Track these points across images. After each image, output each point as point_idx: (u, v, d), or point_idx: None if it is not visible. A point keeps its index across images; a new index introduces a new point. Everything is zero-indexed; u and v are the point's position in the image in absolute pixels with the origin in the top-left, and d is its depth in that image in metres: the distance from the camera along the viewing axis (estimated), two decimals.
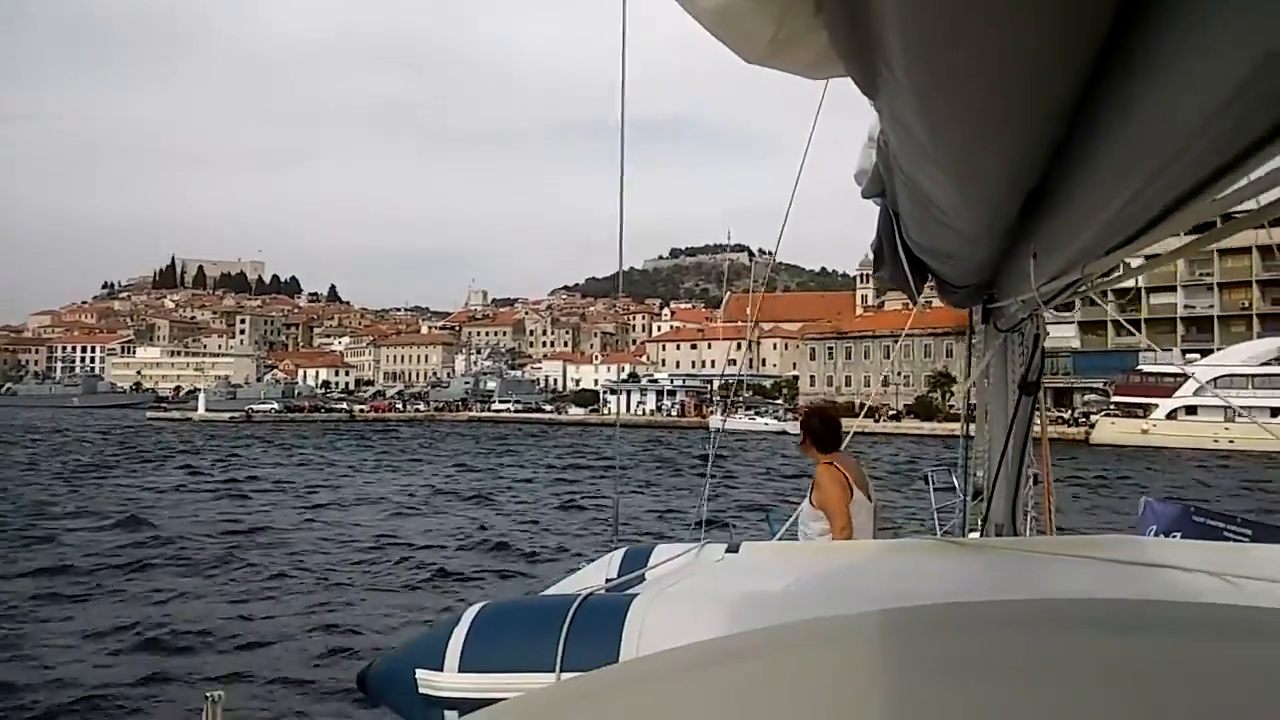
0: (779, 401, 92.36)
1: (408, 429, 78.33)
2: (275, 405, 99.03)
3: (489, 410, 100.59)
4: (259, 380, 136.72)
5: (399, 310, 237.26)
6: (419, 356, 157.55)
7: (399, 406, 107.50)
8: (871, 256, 3.99)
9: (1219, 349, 71.26)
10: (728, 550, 3.33)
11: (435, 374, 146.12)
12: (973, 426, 5.20)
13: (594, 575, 3.35)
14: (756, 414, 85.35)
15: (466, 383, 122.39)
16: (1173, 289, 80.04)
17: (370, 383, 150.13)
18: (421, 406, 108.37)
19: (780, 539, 4.88)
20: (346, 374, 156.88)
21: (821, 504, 4.26)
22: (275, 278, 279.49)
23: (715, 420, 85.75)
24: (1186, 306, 79.42)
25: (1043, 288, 2.42)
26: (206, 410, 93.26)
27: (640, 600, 2.49)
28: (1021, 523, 4.32)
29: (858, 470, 4.46)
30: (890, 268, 3.69)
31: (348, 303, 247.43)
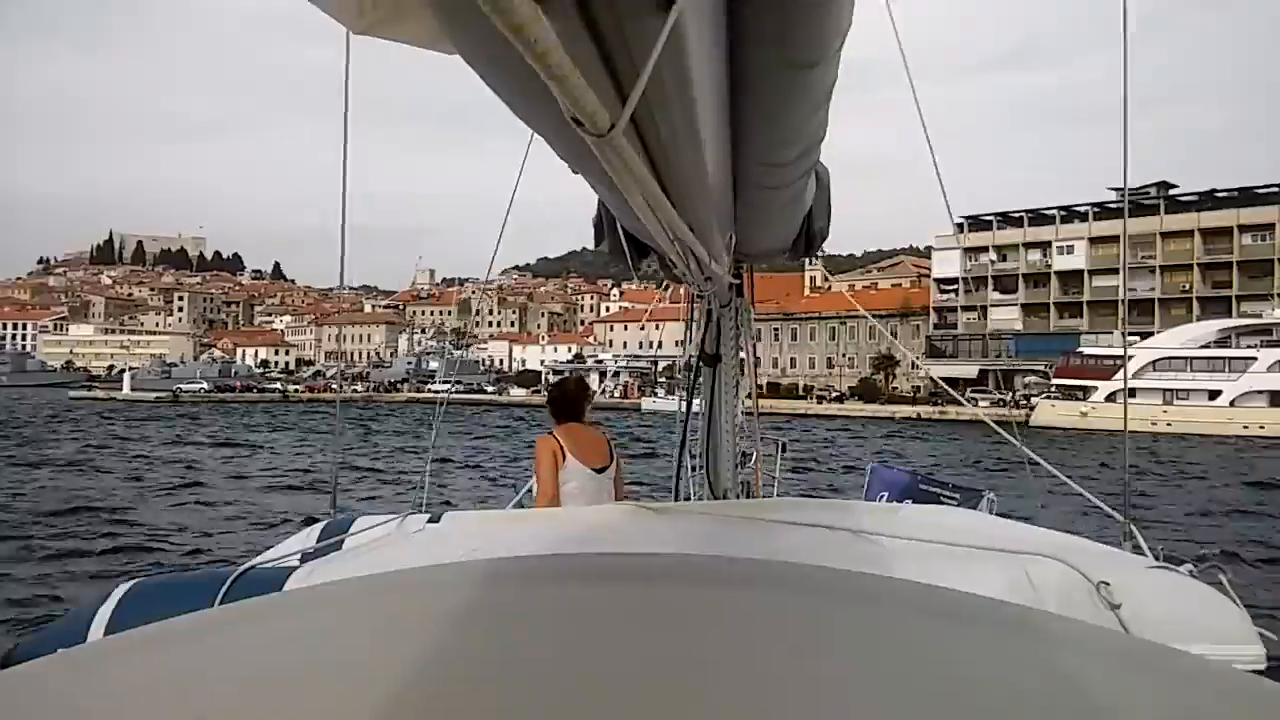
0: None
1: (325, 408, 75.88)
2: (204, 385, 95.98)
3: (428, 390, 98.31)
4: (196, 359, 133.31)
5: (344, 289, 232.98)
6: (362, 336, 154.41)
7: (335, 387, 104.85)
8: (593, 232, 4.12)
9: (1159, 332, 71.22)
10: (430, 520, 3.24)
11: (378, 353, 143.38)
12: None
13: (292, 548, 3.16)
14: None
15: (408, 363, 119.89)
16: (1115, 271, 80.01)
17: (310, 362, 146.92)
18: (359, 387, 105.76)
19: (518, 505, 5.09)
20: (287, 353, 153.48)
21: (536, 472, 4.47)
22: (217, 254, 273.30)
23: (647, 402, 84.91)
24: (1129, 289, 79.35)
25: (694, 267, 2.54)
26: (133, 390, 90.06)
27: (300, 571, 2.47)
28: (731, 486, 4.54)
29: (589, 439, 4.55)
30: (609, 243, 3.86)
31: (292, 281, 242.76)
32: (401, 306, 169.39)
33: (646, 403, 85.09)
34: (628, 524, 2.83)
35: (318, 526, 3.40)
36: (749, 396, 5.06)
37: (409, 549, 2.80)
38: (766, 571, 1.18)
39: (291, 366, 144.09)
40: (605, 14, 1.09)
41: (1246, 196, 76.16)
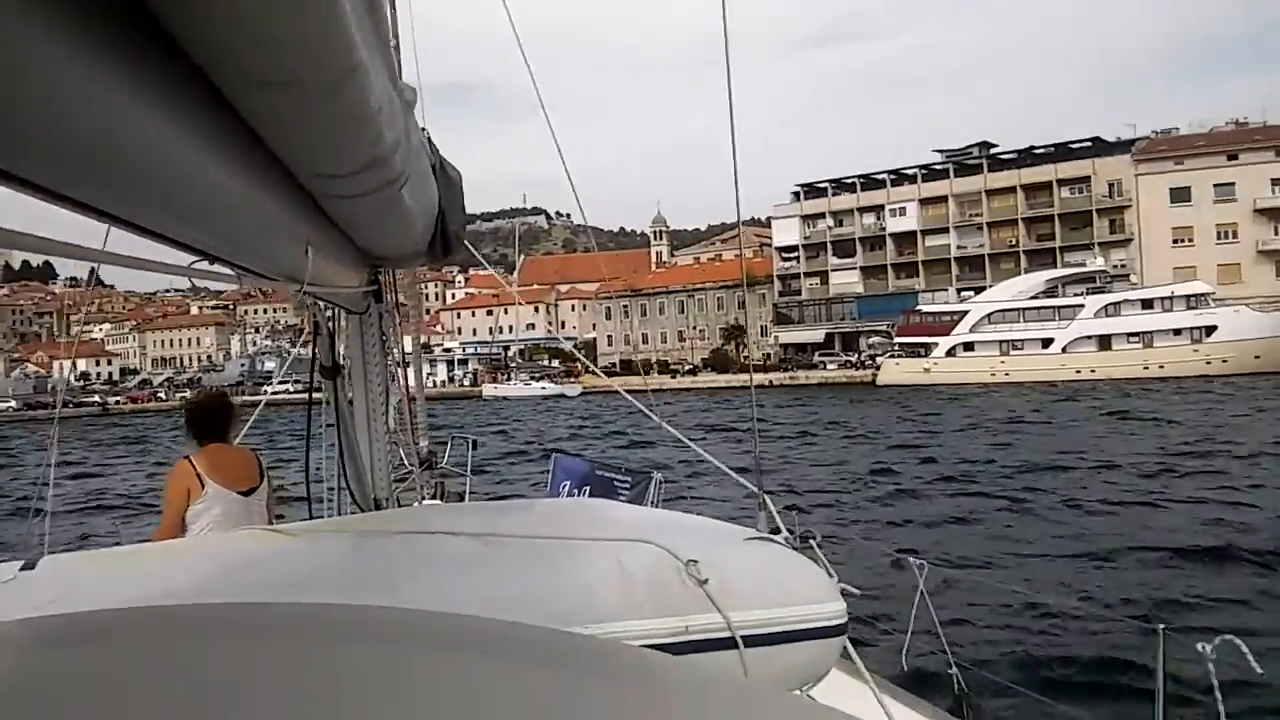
0: (552, 365, 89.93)
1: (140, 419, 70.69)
2: (13, 404, 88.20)
3: (263, 392, 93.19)
4: (7, 376, 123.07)
5: (169, 292, 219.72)
6: (190, 340, 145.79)
7: (161, 395, 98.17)
8: None
9: (990, 285, 73.73)
10: (24, 567, 2.73)
11: (209, 357, 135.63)
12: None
13: None
14: (532, 379, 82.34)
15: (242, 364, 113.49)
16: (945, 230, 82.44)
17: (135, 371, 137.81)
18: (188, 394, 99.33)
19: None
20: (109, 363, 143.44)
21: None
22: (26, 264, 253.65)
23: (488, 389, 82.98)
24: (959, 247, 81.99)
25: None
26: None
27: None
28: (389, 495, 4.50)
29: (235, 460, 4.33)
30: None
31: (111, 287, 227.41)
32: (232, 306, 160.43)
33: (487, 389, 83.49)
34: (248, 551, 2.69)
35: None
36: (399, 403, 5.10)
37: None
38: (290, 616, 1.14)
39: (115, 377, 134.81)
40: None
41: (1062, 152, 79.63)
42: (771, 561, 2.41)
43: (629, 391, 5.53)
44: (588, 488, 7.02)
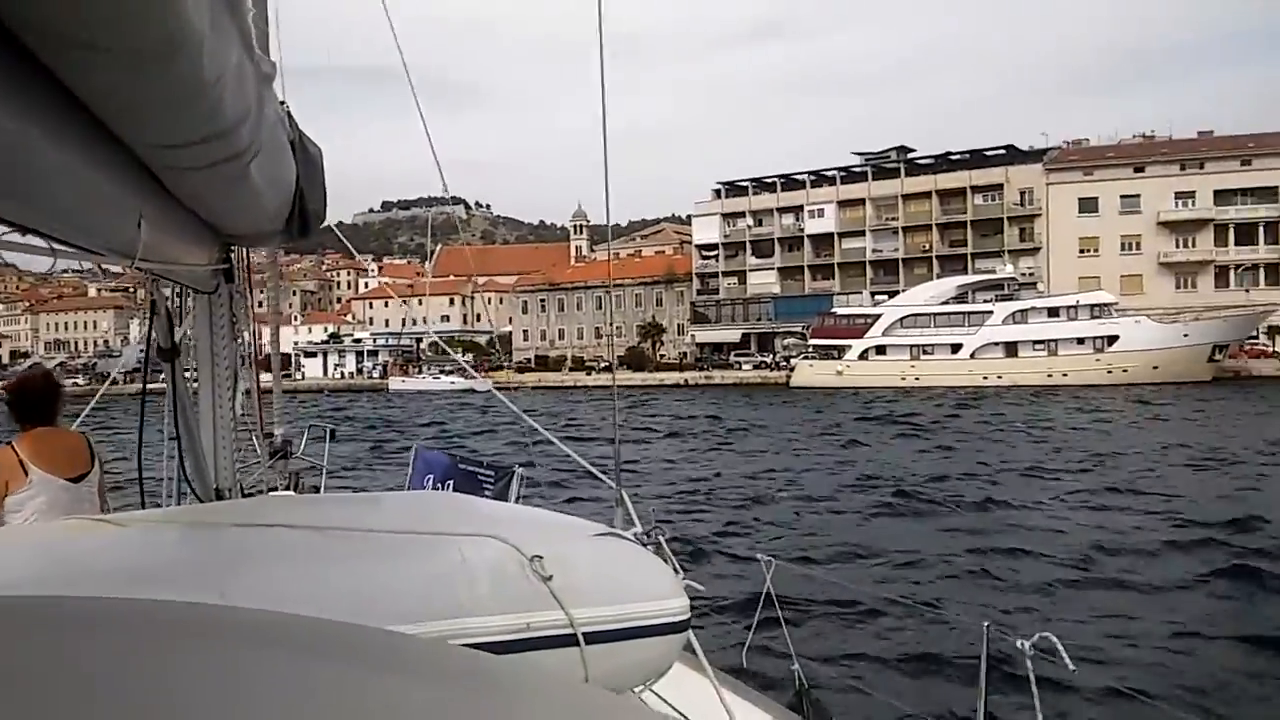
0: (464, 357, 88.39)
1: None
2: None
3: (162, 380, 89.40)
4: None
5: (67, 273, 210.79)
6: (86, 323, 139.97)
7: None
8: None
9: (904, 290, 74.48)
10: None
11: (105, 341, 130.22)
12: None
13: None
14: (442, 373, 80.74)
15: (142, 350, 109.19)
16: (862, 234, 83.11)
17: (26, 355, 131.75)
18: (81, 380, 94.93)
19: None
20: None
21: None
22: None
23: (395, 382, 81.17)
24: (875, 250, 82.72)
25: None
26: None
27: None
28: (232, 486, 4.37)
29: (63, 444, 4.15)
30: None
31: (8, 265, 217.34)
32: (132, 289, 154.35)
33: (394, 383, 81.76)
34: (72, 541, 2.51)
35: None
36: (247, 392, 4.91)
37: None
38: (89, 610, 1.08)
39: (5, 360, 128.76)
40: None
41: (977, 159, 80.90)
42: (617, 557, 2.39)
43: (497, 387, 5.59)
44: (450, 482, 6.91)
